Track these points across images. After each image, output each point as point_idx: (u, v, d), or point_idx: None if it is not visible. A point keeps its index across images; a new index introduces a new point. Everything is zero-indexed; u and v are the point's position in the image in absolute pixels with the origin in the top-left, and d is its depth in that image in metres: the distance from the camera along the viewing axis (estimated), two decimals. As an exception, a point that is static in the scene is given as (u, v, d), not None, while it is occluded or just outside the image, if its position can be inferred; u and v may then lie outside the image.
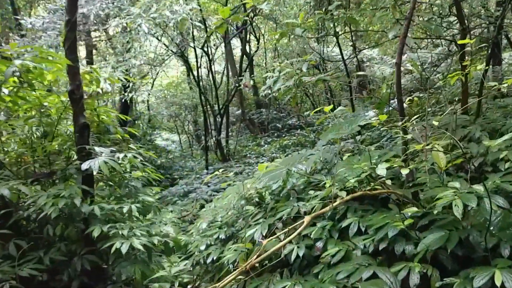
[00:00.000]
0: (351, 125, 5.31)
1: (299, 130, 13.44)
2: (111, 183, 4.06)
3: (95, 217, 3.44)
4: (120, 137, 4.81)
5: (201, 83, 11.98)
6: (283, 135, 13.60)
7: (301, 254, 3.90)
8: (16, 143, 3.96)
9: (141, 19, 6.80)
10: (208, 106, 12.63)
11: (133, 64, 7.69)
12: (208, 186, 10.60)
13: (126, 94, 10.21)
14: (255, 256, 3.18)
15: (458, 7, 4.79)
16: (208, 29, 10.42)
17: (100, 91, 4.25)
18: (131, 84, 8.80)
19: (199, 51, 12.16)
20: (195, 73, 11.99)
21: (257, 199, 5.75)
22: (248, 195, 5.76)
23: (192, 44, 10.35)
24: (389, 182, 3.96)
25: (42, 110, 3.95)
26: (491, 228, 3.07)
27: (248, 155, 12.33)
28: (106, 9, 7.86)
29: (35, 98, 3.85)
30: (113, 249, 3.23)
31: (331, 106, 4.36)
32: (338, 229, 4.01)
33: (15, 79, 3.42)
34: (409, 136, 3.48)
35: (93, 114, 4.38)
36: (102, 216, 3.59)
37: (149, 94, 16.18)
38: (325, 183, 4.42)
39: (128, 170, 4.16)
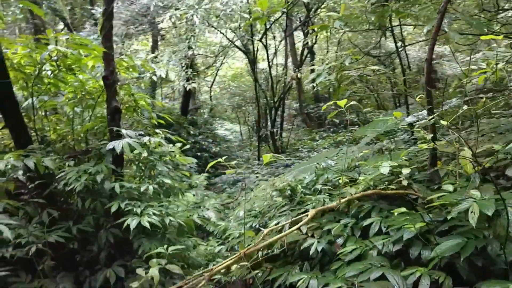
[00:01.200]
0: (385, 124, 5.13)
1: (357, 127, 13.09)
2: (139, 164, 4.32)
3: (117, 194, 3.70)
4: (156, 123, 5.07)
5: (261, 75, 12.15)
6: (340, 131, 13.35)
7: (319, 249, 3.92)
8: (61, 122, 4.36)
9: (193, 11, 7.04)
10: (265, 99, 12.76)
11: (189, 55, 8.00)
12: (257, 176, 10.77)
13: (187, 83, 10.63)
14: (252, 245, 3.23)
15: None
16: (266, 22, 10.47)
17: (135, 78, 4.52)
18: (189, 74, 9.14)
19: (258, 43, 12.28)
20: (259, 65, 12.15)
21: (289, 192, 5.79)
22: (280, 187, 5.83)
23: (248, 37, 10.46)
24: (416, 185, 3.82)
25: (83, 93, 4.30)
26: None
27: (300, 149, 12.29)
28: (165, 0, 8.24)
29: (74, 81, 4.21)
30: (124, 224, 3.48)
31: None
32: (360, 227, 3.95)
33: (54, 63, 3.78)
34: (428, 137, 3.29)
35: (131, 99, 4.67)
36: (125, 194, 3.85)
37: (211, 85, 16.75)
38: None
39: (155, 153, 4.38)
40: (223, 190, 10.70)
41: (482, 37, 3.46)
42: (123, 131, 4.00)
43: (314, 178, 5.46)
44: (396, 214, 3.68)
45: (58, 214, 3.93)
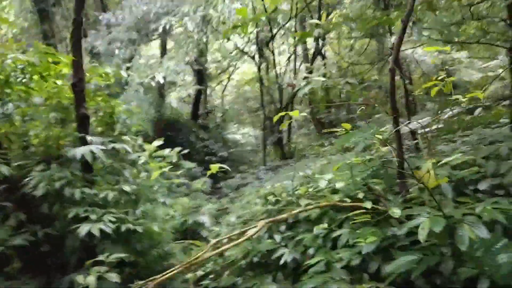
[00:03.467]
0: (363, 134, 5.01)
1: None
2: (105, 170, 4.38)
3: (76, 200, 3.77)
4: (141, 129, 5.14)
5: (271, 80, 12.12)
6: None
7: (289, 259, 3.92)
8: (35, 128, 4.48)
9: (188, 18, 7.11)
10: (272, 104, 12.73)
11: (193, 59, 8.09)
12: (260, 182, 10.74)
13: (193, 87, 10.74)
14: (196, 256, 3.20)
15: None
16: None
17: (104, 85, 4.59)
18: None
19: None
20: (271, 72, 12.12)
21: (273, 199, 5.77)
22: (262, 194, 5.82)
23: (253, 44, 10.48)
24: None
25: (57, 99, 4.41)
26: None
27: (307, 155, 12.15)
28: (165, 7, 8.36)
29: (51, 87, 4.32)
30: (79, 230, 3.53)
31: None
32: (331, 239, 3.90)
33: (20, 71, 3.89)
34: (384, 149, 3.18)
35: (107, 106, 4.75)
36: (88, 200, 3.91)
37: (224, 90, 16.85)
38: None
39: (127, 160, 4.44)
40: (226, 194, 10.71)
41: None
42: (88, 138, 4.06)
43: (296, 185, 5.43)
44: (361, 228, 3.63)
45: (26, 217, 4.03)
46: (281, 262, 3.93)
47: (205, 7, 7.14)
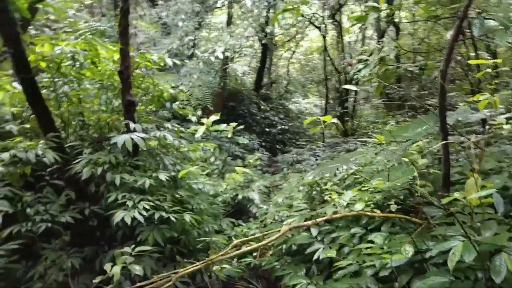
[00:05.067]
0: (417, 128, 4.66)
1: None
2: (148, 156, 4.56)
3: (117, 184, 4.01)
4: (180, 112, 5.26)
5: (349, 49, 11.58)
6: (418, 115, 12.31)
7: (321, 257, 3.91)
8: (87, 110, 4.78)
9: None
10: (337, 77, 12.26)
11: (248, 36, 7.99)
12: (316, 159, 10.58)
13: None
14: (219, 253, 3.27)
15: None
16: None
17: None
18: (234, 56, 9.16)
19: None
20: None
21: (316, 189, 5.70)
22: (309, 183, 5.73)
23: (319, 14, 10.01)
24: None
25: (108, 83, 4.63)
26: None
27: (370, 133, 11.66)
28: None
29: (102, 73, 4.54)
30: (114, 217, 3.77)
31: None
32: (367, 241, 3.80)
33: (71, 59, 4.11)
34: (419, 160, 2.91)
35: (155, 90, 4.89)
36: (128, 184, 4.14)
37: (289, 59, 16.50)
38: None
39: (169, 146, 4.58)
40: (282, 169, 10.71)
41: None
42: (132, 125, 4.23)
43: (342, 177, 5.30)
44: (399, 235, 3.48)
45: (76, 195, 4.38)
46: (314, 257, 3.92)
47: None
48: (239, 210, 7.46)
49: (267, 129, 13.16)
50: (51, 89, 4.46)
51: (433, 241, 3.22)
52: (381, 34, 11.71)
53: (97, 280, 3.09)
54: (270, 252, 5.02)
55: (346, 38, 13.28)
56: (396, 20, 11.25)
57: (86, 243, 4.56)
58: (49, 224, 3.98)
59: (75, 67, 4.30)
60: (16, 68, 3.86)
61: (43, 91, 4.50)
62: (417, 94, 13.59)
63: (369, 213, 3.38)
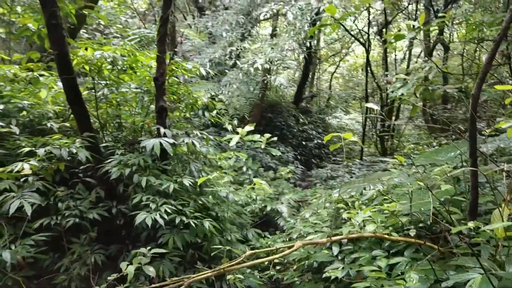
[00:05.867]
0: (450, 153, 4.49)
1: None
2: (176, 160, 4.68)
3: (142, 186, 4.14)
4: (213, 121, 5.35)
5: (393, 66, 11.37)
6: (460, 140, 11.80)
7: (340, 276, 3.85)
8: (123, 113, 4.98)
9: (289, 7, 7.02)
10: (380, 94, 12.02)
11: (288, 49, 8.04)
12: (351, 177, 10.38)
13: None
14: (231, 262, 3.28)
15: None
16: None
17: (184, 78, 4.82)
18: (274, 68, 9.22)
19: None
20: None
21: (344, 206, 5.62)
22: (336, 201, 5.66)
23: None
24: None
25: (145, 89, 4.81)
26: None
27: (409, 154, 11.29)
28: (272, -6, 8.34)
29: (140, 78, 4.74)
30: (136, 218, 3.88)
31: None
32: (389, 264, 3.71)
33: (109, 63, 4.32)
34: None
35: (189, 98, 5.02)
36: (154, 187, 4.26)
37: (333, 74, 16.37)
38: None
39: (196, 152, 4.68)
40: (315, 184, 10.59)
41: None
42: (162, 130, 4.37)
43: (370, 196, 5.20)
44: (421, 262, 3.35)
45: (105, 194, 4.57)
46: (333, 277, 3.85)
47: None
48: (266, 222, 7.45)
49: (303, 143, 13.08)
50: (93, 91, 4.70)
51: (455, 271, 3.08)
52: (428, 53, 11.39)
53: (112, 277, 3.19)
54: (294, 267, 4.98)
55: (392, 56, 13.00)
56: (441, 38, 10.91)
57: (111, 241, 4.72)
58: (78, 220, 4.17)
59: (115, 71, 4.52)
60: (60, 69, 4.11)
61: (85, 93, 4.75)
62: (464, 116, 13.05)
63: (386, 236, 3.28)
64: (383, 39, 12.57)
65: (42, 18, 4.22)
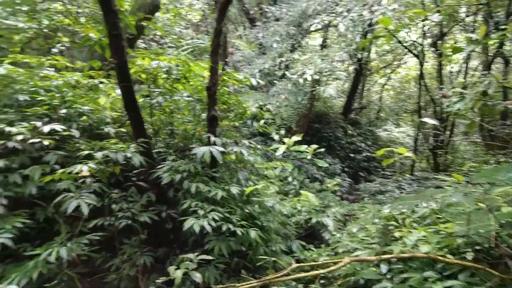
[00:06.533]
0: (509, 172, 4.22)
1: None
2: (223, 168, 4.75)
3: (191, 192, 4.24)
4: (262, 130, 5.40)
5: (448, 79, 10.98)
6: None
7: None
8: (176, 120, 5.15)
9: (340, 19, 6.98)
10: (434, 107, 11.58)
11: (339, 60, 7.99)
12: (401, 192, 10.05)
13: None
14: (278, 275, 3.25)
15: None
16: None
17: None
18: (324, 79, 9.15)
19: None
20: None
21: (395, 223, 5.46)
22: (385, 217, 5.51)
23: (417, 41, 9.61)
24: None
25: (198, 98, 4.95)
26: None
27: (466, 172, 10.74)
28: (324, 5, 8.34)
29: (193, 87, 4.88)
30: (184, 224, 3.97)
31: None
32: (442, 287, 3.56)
33: (164, 73, 4.49)
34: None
35: (239, 107, 5.11)
36: (203, 193, 4.35)
37: (384, 85, 15.99)
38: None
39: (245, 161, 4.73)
40: (362, 198, 10.34)
41: None
42: (212, 139, 4.46)
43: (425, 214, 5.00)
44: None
45: (156, 198, 4.72)
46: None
47: (360, 8, 6.85)
48: (311, 234, 7.36)
49: (351, 155, 12.84)
50: (148, 98, 4.89)
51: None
52: (486, 66, 10.86)
53: (160, 280, 3.27)
54: (339, 282, 4.88)
55: (448, 68, 12.51)
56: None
57: (160, 244, 4.86)
58: (129, 222, 4.33)
59: (169, 80, 4.69)
60: (119, 77, 4.32)
61: (140, 100, 4.96)
62: (526, 134, 12.25)
63: (440, 258, 3.13)
64: (438, 51, 12.15)
65: (104, 28, 4.46)
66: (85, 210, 3.79)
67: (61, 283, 4.02)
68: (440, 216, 4.70)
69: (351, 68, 14.30)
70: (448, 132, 12.08)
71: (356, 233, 5.95)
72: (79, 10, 7.77)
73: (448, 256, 3.26)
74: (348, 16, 6.99)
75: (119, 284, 4.36)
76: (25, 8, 7.17)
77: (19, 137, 4.12)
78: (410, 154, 3.17)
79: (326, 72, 8.83)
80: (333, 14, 7.38)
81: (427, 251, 3.24)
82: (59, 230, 4.29)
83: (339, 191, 10.02)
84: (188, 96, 5.06)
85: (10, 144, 4.17)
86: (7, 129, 4.23)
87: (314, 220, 7.43)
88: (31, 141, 4.14)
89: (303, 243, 6.22)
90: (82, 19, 7.94)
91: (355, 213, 8.75)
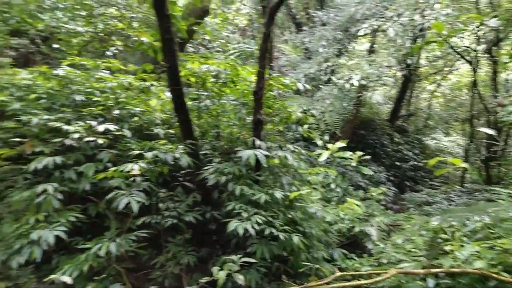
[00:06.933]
0: None
1: None
2: (267, 172, 4.76)
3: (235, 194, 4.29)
4: (306, 135, 5.38)
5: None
6: None
7: None
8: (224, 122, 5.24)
9: (390, 23, 6.83)
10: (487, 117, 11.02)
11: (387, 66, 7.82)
12: (449, 204, 9.64)
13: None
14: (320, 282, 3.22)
15: None
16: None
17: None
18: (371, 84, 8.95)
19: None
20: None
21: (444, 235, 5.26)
22: (433, 229, 5.32)
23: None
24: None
25: (244, 102, 5.02)
26: None
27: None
28: (373, 10, 8.20)
29: (240, 91, 4.95)
30: (228, 226, 4.02)
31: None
32: None
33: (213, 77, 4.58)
34: None
35: (284, 112, 5.12)
36: (246, 196, 4.39)
37: (433, 92, 15.43)
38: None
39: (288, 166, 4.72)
40: (408, 209, 10.02)
41: None
42: (257, 142, 4.49)
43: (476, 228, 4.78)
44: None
45: (201, 199, 4.82)
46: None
47: (411, 12, 6.67)
48: (353, 243, 7.21)
49: (397, 163, 12.48)
50: (196, 101, 5.01)
51: None
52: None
53: (204, 280, 3.33)
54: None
55: (503, 76, 11.87)
56: None
57: (203, 244, 4.95)
58: (175, 221, 4.45)
59: (217, 84, 4.78)
60: (170, 80, 4.46)
61: (189, 103, 5.09)
62: None
63: (494, 275, 2.97)
64: (493, 57, 11.58)
65: (156, 33, 4.62)
66: (135, 207, 3.93)
67: (109, 277, 4.18)
68: (493, 231, 4.47)
69: (399, 74, 13.96)
70: (502, 143, 11.45)
71: (401, 244, 5.78)
72: (132, 15, 8.09)
73: (503, 273, 3.09)
74: (398, 21, 6.81)
75: (163, 281, 4.48)
76: (83, 13, 7.56)
77: (76, 135, 4.34)
78: (464, 165, 3.04)
79: (373, 77, 8.66)
80: (383, 19, 7.22)
81: (480, 267, 3.08)
82: (109, 226, 4.48)
83: (384, 200, 9.75)
84: (234, 100, 5.13)
85: (67, 141, 4.40)
86: (65, 127, 4.47)
87: (357, 229, 7.28)
88: (86, 139, 4.35)
89: (345, 251, 6.11)
90: (135, 24, 8.27)
91: (400, 224, 8.49)
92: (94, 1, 7.58)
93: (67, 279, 3.52)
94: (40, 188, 4.20)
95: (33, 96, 5.15)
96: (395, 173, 12.25)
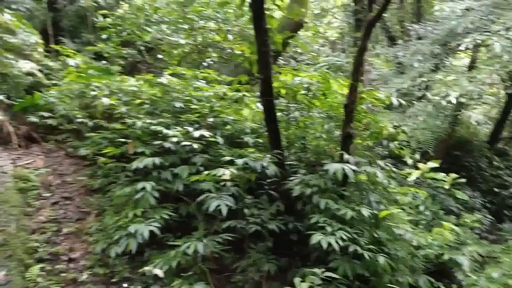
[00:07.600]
0: None
1: None
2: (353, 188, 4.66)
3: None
4: (396, 152, 5.20)
5: None
6: None
7: None
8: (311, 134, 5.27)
9: (497, 37, 6.36)
10: None
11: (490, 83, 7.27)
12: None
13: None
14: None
15: None
16: None
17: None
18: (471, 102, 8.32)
19: None
20: None
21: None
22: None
23: None
24: None
25: (333, 115, 5.01)
26: None
27: None
28: (476, 23, 7.69)
29: (329, 103, 4.96)
30: (311, 238, 4.00)
31: None
32: None
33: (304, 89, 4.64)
34: None
35: (375, 126, 5.00)
36: (331, 210, 4.35)
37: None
38: None
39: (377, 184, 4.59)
40: (506, 240, 9.09)
41: None
42: (345, 157, 4.44)
43: None
44: None
45: (284, 208, 4.88)
46: None
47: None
48: (441, 272, 6.75)
49: (495, 189, 11.42)
50: (285, 112, 5.11)
51: None
52: None
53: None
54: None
55: None
56: None
57: (283, 254, 4.99)
58: (259, 227, 4.56)
59: (308, 96, 4.84)
60: (262, 91, 4.61)
61: (278, 114, 5.21)
62: None
63: None
64: None
65: (252, 46, 4.82)
66: (224, 211, 4.11)
67: (194, 275, 4.40)
68: None
69: (502, 92, 12.86)
70: None
71: (497, 279, 5.32)
72: (229, 28, 8.50)
73: None
74: (506, 35, 6.29)
75: (244, 286, 4.59)
76: (185, 26, 8.13)
77: (174, 139, 4.68)
78: None
79: (473, 95, 8.09)
80: (488, 33, 6.71)
81: None
82: (197, 226, 4.73)
83: (478, 229, 8.99)
84: (321, 112, 5.14)
85: (166, 144, 4.77)
86: (165, 131, 4.85)
87: (446, 257, 6.79)
88: (183, 143, 4.67)
89: (432, 279, 5.74)
90: (230, 36, 8.67)
91: (497, 256, 7.77)
92: (196, 15, 8.11)
93: (159, 272, 3.79)
94: (139, 185, 4.58)
95: (137, 101, 5.66)
96: (492, 200, 11.23)
